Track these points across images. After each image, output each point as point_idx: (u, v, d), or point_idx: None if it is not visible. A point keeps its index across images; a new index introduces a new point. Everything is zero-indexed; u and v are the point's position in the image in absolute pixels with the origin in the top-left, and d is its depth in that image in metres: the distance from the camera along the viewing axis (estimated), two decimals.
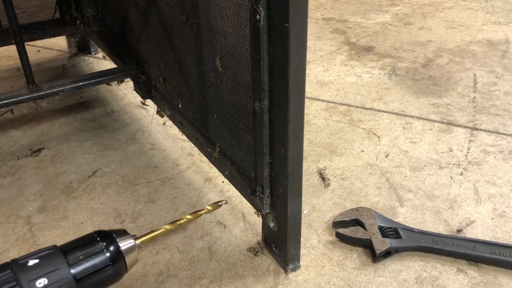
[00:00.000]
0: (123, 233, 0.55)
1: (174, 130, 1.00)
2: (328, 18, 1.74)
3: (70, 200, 0.81)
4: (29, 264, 0.48)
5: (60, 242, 0.71)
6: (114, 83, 1.18)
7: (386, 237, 0.68)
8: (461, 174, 0.85)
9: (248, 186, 0.65)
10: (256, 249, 0.69)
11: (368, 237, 0.68)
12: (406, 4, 1.87)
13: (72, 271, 0.49)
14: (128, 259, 0.54)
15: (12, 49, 1.26)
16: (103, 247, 0.52)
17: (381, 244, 0.66)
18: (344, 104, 1.11)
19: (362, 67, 1.30)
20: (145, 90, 0.97)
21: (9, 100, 0.90)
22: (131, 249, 0.54)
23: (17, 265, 0.48)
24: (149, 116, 1.07)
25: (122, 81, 1.11)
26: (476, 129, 0.99)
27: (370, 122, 1.03)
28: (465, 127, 1.00)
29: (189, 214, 0.61)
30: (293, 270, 0.65)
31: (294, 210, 0.59)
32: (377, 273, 0.65)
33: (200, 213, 0.61)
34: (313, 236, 0.72)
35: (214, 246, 0.70)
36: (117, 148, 0.96)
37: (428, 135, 0.97)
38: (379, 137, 0.97)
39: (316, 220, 0.75)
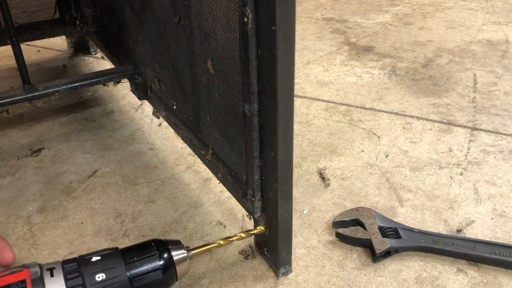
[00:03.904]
0: (177, 243, 0.57)
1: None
2: (328, 18, 1.74)
3: (70, 200, 0.81)
4: (92, 260, 0.53)
5: (60, 242, 0.72)
6: (110, 84, 1.18)
7: (386, 237, 0.68)
8: (461, 174, 0.85)
9: (240, 189, 0.65)
10: (248, 252, 0.68)
11: (368, 237, 0.68)
12: (406, 4, 1.87)
13: (128, 273, 0.52)
14: (179, 269, 0.56)
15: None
16: (157, 254, 0.54)
17: (381, 244, 0.66)
18: (344, 104, 1.11)
19: (362, 67, 1.30)
20: (141, 91, 0.97)
21: (4, 100, 0.90)
22: (183, 259, 0.56)
23: (81, 260, 0.52)
24: (149, 116, 1.07)
25: (118, 82, 1.11)
26: (476, 129, 0.99)
27: (370, 122, 1.03)
28: (465, 127, 1.00)
29: (243, 232, 0.63)
30: (285, 274, 0.65)
31: (284, 214, 0.59)
32: (377, 273, 0.65)
33: (252, 232, 0.64)
34: (313, 236, 0.72)
35: None
36: (117, 148, 0.96)
37: (428, 135, 0.97)
38: (379, 137, 0.97)
39: (316, 220, 0.75)
